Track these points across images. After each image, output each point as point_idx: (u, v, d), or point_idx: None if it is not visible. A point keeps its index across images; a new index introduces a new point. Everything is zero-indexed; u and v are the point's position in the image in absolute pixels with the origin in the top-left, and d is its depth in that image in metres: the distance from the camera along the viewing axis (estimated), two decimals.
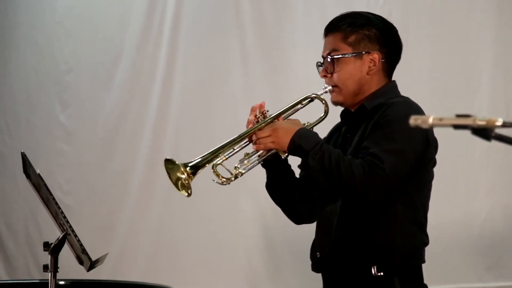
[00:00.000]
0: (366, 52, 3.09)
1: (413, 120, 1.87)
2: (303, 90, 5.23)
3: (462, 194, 5.04)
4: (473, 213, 5.02)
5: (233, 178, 3.02)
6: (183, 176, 2.95)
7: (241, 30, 5.49)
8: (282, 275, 5.33)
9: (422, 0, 5.19)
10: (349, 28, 3.11)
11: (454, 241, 5.01)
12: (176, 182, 2.97)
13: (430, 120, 1.85)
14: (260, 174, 3.66)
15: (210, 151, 3.02)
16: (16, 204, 5.91)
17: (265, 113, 3.09)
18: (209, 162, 3.00)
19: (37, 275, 5.72)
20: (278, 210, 5.16)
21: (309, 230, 4.44)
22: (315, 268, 3.16)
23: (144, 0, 5.69)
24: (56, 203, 2.96)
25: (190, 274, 5.46)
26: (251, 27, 5.47)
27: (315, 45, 5.24)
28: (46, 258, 5.64)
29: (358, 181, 2.87)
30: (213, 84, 5.54)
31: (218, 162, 3.01)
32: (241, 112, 5.36)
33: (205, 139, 5.38)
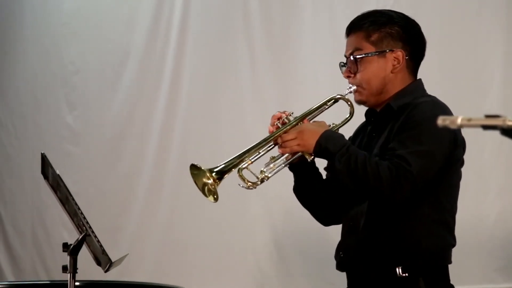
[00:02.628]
0: (389, 50, 3.06)
1: (441, 121, 1.84)
2: (311, 90, 5.27)
3: (472, 195, 5.01)
4: (483, 214, 5.00)
5: (259, 182, 3.00)
6: (209, 182, 2.94)
7: (249, 30, 5.47)
8: (291, 277, 5.31)
9: (432, 1, 5.17)
10: (371, 27, 3.07)
11: (464, 243, 4.95)
12: (202, 188, 2.96)
13: (459, 121, 1.82)
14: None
15: (235, 155, 3.00)
16: (23, 206, 5.90)
17: (290, 115, 3.06)
18: (234, 166, 2.98)
19: (44, 276, 5.73)
20: (287, 212, 5.18)
21: (318, 232, 4.43)
22: (339, 267, 3.14)
23: (151, 0, 5.69)
24: (76, 204, 2.96)
25: (198, 275, 5.44)
26: (259, 27, 5.46)
27: (324, 45, 5.29)
28: (52, 259, 5.70)
29: (385, 183, 2.85)
30: (221, 84, 5.53)
31: (244, 166, 2.99)
32: (249, 112, 5.37)
33: (213, 140, 5.37)
